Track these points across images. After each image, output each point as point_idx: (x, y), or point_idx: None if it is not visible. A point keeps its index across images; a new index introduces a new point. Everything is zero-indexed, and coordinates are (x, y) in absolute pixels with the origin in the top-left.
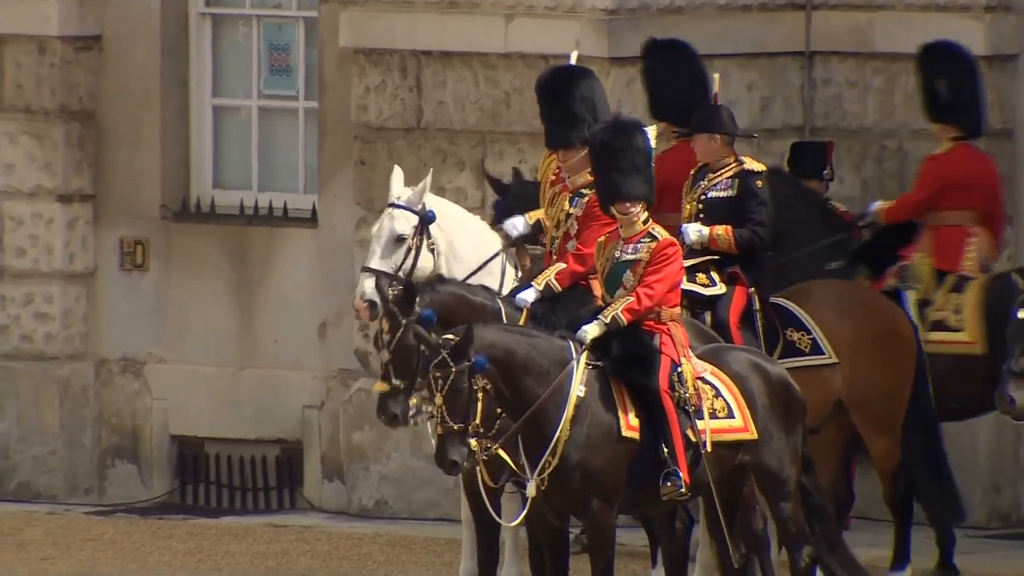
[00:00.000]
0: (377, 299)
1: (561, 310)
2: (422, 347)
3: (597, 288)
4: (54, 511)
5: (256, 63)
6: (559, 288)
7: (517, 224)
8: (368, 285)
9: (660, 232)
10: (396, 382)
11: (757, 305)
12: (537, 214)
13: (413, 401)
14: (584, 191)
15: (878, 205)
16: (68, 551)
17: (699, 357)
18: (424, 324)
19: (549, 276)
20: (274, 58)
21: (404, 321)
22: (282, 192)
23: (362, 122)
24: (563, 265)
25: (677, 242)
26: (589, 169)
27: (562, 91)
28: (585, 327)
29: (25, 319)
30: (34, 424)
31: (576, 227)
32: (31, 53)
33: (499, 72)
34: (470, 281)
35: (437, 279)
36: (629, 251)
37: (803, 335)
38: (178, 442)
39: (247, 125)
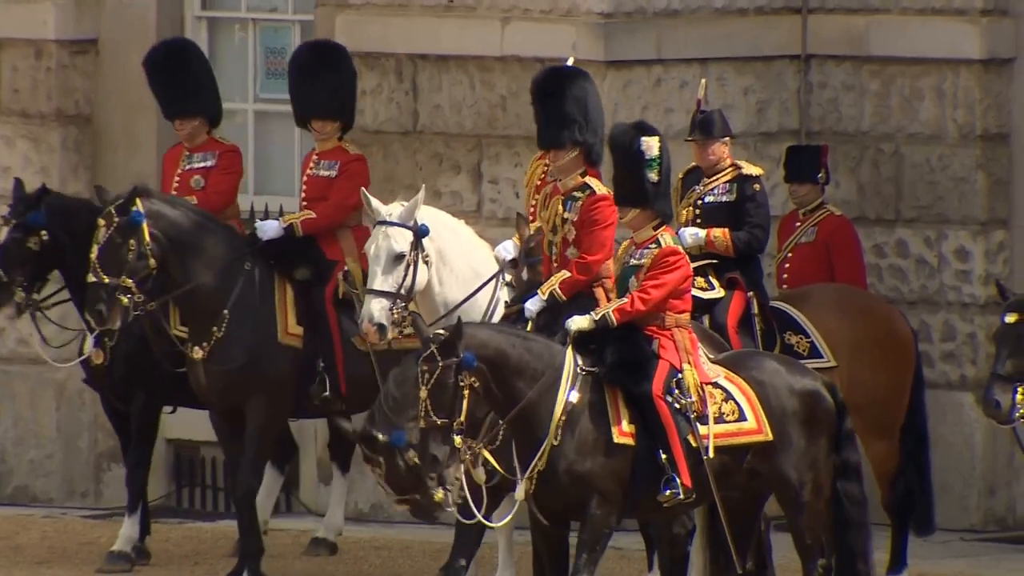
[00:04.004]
0: (385, 321)
1: (565, 318)
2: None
3: (601, 295)
4: (51, 515)
5: (252, 67)
6: (563, 298)
7: (507, 247)
8: (376, 307)
9: (666, 239)
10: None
11: (756, 309)
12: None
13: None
14: (576, 194)
15: (293, 216)
16: (64, 555)
17: (717, 362)
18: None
19: (554, 285)
20: (270, 62)
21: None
22: (278, 196)
23: (358, 126)
24: (567, 274)
25: (682, 250)
26: (580, 171)
27: (555, 91)
28: (573, 317)
29: (21, 322)
30: (30, 427)
31: (574, 232)
32: (28, 57)
33: (495, 75)
34: (468, 302)
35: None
36: (637, 256)
37: (801, 338)
38: (174, 446)
39: (243, 129)
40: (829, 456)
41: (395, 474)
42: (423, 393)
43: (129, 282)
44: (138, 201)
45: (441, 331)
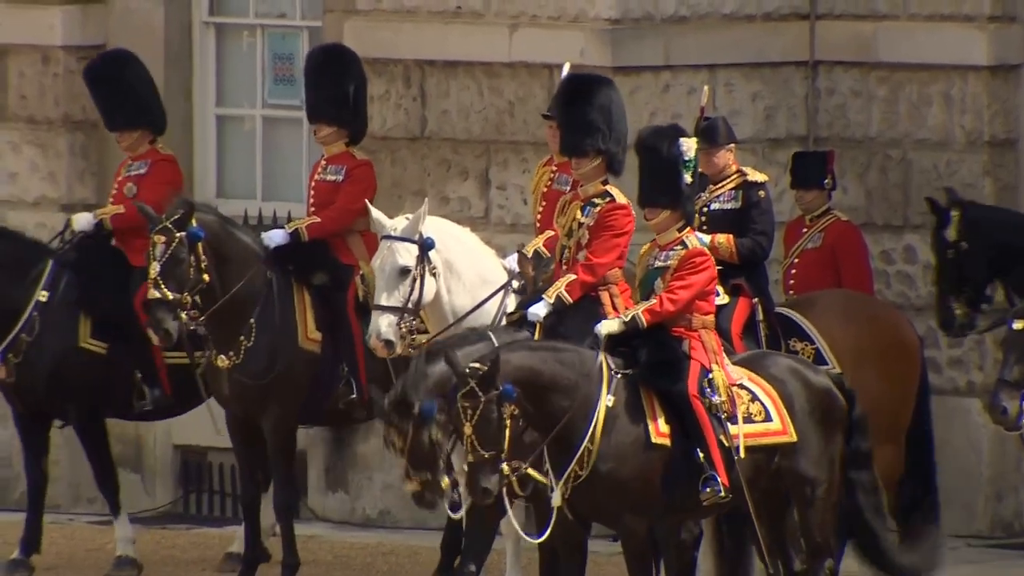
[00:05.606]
0: (393, 337)
1: (569, 321)
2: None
3: (607, 299)
4: (57, 520)
5: (260, 72)
6: (570, 300)
7: (512, 260)
8: (383, 323)
9: (692, 240)
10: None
11: (760, 315)
12: (535, 243)
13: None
14: (596, 201)
15: (297, 222)
16: (72, 561)
17: (737, 363)
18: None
19: (560, 288)
20: (278, 68)
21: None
22: (286, 202)
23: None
24: (573, 276)
25: (709, 252)
26: (602, 179)
27: (580, 98)
28: (603, 321)
29: None
30: None
31: (587, 236)
32: (35, 63)
33: (503, 81)
34: (476, 314)
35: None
36: (662, 258)
37: (806, 345)
38: (181, 452)
39: (251, 135)
40: (842, 452)
41: (417, 447)
42: (467, 429)
43: (188, 299)
44: (194, 216)
45: (477, 364)
